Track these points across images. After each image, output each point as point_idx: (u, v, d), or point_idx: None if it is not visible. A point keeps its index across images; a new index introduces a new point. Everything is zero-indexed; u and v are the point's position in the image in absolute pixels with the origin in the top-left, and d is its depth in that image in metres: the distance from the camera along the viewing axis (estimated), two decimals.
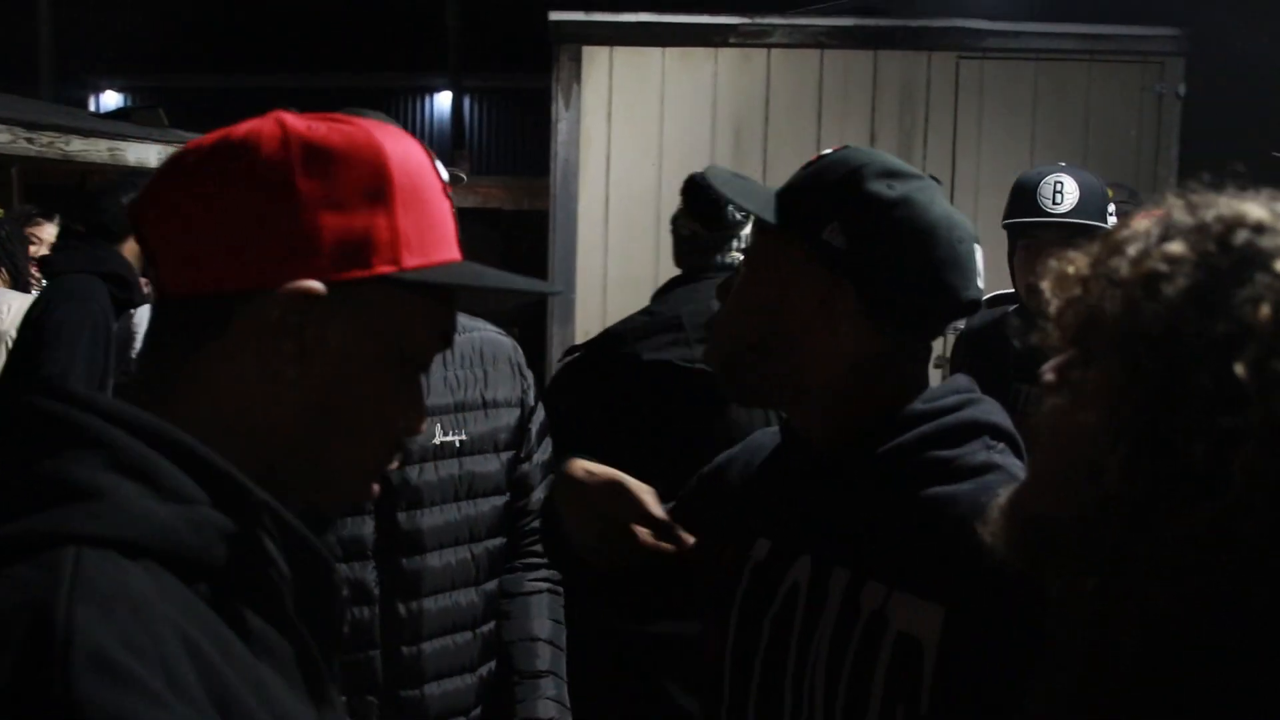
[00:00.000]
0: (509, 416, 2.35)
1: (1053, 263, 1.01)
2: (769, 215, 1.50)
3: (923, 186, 1.45)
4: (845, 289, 1.42)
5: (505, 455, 2.34)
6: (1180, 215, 0.94)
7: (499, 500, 2.32)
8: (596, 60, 5.58)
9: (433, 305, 1.11)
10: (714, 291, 1.81)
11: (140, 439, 0.95)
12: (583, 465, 1.61)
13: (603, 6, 5.66)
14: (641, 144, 5.57)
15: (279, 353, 1.03)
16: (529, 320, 6.47)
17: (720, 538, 1.61)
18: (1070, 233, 2.92)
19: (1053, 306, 1.00)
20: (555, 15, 5.58)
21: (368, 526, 2.14)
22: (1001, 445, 1.43)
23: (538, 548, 2.23)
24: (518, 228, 10.83)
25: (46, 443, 0.94)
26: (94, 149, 6.98)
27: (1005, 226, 3.17)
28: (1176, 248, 0.91)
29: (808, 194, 1.49)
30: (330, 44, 14.49)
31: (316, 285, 1.02)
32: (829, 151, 1.54)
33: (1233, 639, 0.86)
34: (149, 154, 7.25)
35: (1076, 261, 0.99)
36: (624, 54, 5.59)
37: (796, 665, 1.48)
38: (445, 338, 1.14)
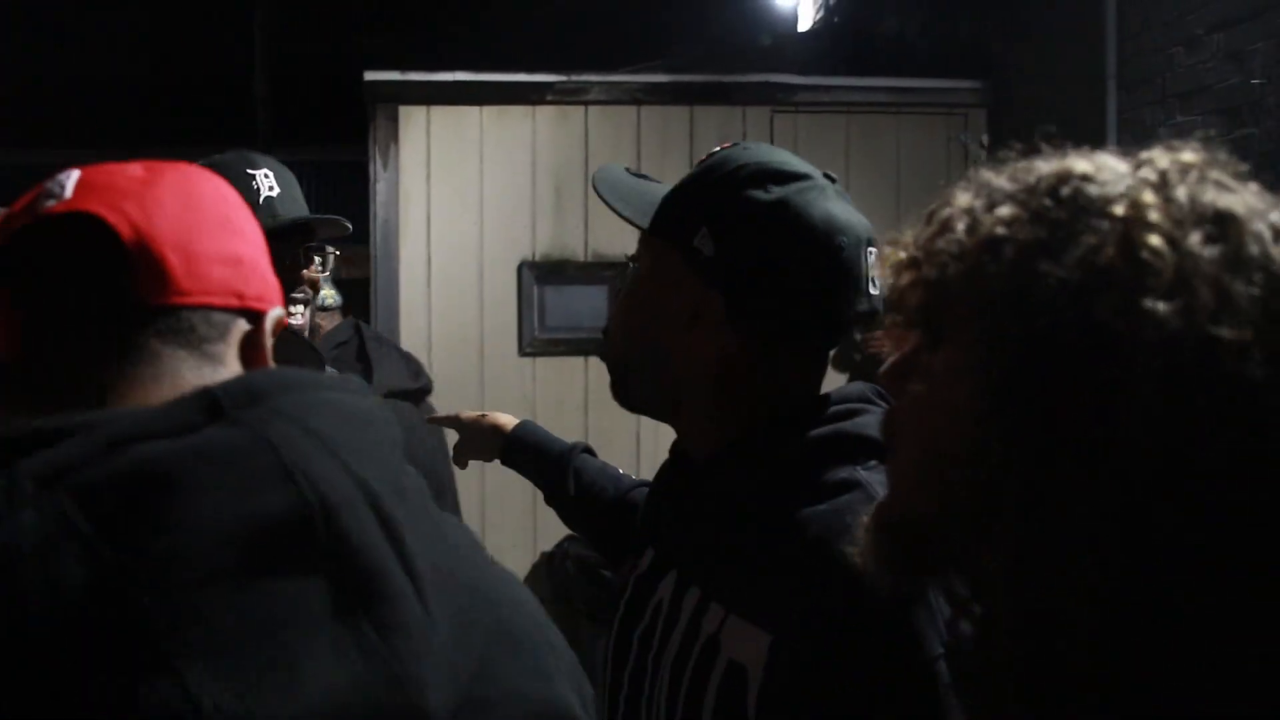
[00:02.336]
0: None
1: (885, 249, 0.96)
2: (643, 221, 1.45)
3: (804, 188, 1.38)
4: (713, 298, 1.37)
5: None
6: (1001, 183, 0.91)
7: None
8: (414, 119, 5.53)
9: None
10: None
11: None
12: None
13: (418, 66, 5.62)
14: (462, 202, 5.52)
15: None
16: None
17: (630, 544, 1.58)
18: None
19: (889, 293, 0.96)
20: (370, 75, 5.51)
21: None
22: (874, 462, 1.33)
23: None
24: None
25: None
26: None
27: None
28: (1008, 210, 0.87)
29: (683, 197, 1.44)
30: (132, 117, 14.13)
31: None
32: (718, 149, 1.48)
33: (1165, 617, 0.79)
34: None
35: (904, 243, 0.94)
36: (441, 113, 5.55)
37: (650, 685, 1.44)
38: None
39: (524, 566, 5.49)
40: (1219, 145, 0.90)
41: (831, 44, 7.05)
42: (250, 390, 0.80)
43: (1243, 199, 0.84)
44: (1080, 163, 0.90)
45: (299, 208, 2.25)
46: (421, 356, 5.49)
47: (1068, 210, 0.85)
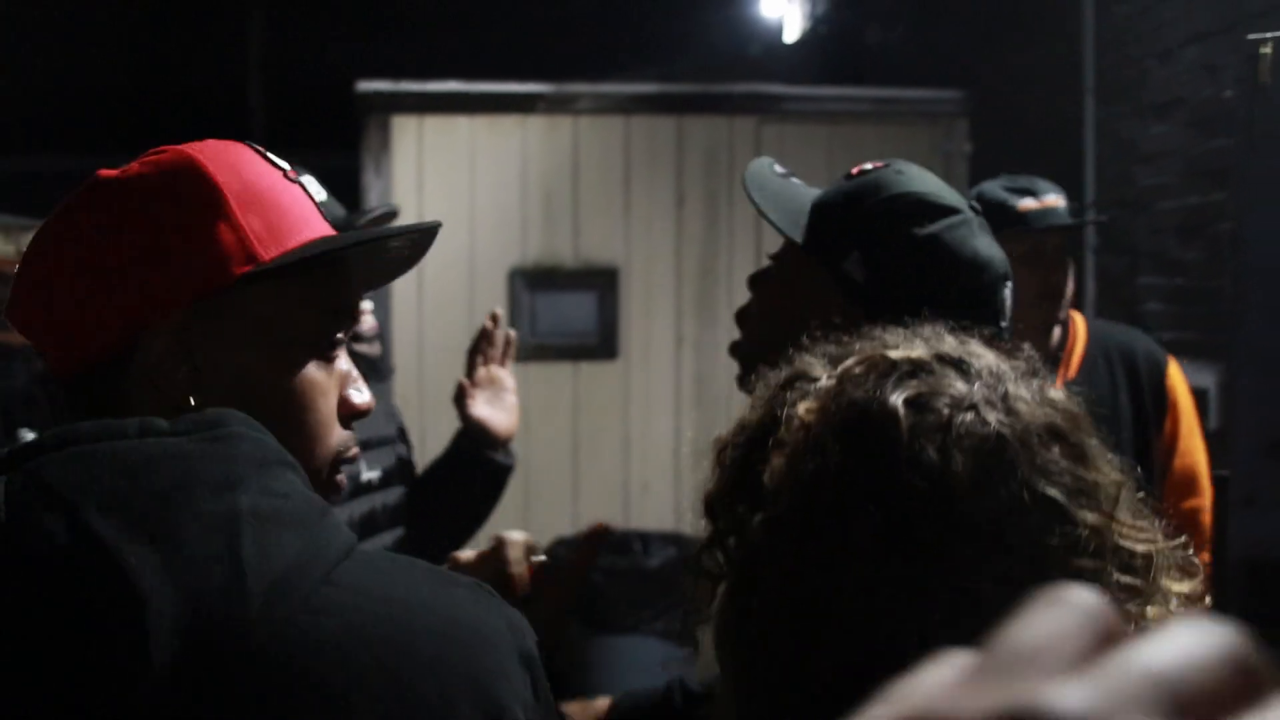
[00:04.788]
0: (397, 449, 2.43)
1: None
2: (795, 234, 1.51)
3: (955, 224, 1.44)
4: (858, 321, 1.43)
5: (397, 488, 2.49)
6: (770, 374, 1.03)
7: (396, 534, 2.45)
8: (405, 129, 5.61)
9: (309, 287, 1.12)
10: None
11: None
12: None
13: (410, 75, 5.70)
14: (453, 210, 5.60)
15: (175, 383, 1.06)
16: None
17: None
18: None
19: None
20: (363, 85, 5.59)
21: None
22: None
23: None
24: None
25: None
26: None
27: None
28: (752, 416, 0.99)
29: (837, 217, 1.50)
30: (127, 123, 14.18)
31: (184, 310, 1.06)
32: (869, 167, 1.54)
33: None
34: None
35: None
36: (433, 122, 5.63)
37: None
38: (338, 313, 1.15)
39: None
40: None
41: (818, 54, 7.13)
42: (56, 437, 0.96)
43: (932, 388, 0.89)
44: (806, 366, 0.98)
45: (336, 214, 2.33)
46: (412, 362, 5.59)
47: (766, 419, 0.95)
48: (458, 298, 5.61)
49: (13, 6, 11.73)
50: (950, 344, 0.96)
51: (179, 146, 1.14)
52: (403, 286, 5.53)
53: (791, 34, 7.40)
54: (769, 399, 0.96)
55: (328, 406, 1.13)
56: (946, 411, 0.86)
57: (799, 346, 1.49)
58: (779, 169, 1.64)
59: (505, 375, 2.50)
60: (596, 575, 5.16)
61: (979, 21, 5.81)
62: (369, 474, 2.38)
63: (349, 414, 1.17)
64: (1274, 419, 2.73)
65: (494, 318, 2.49)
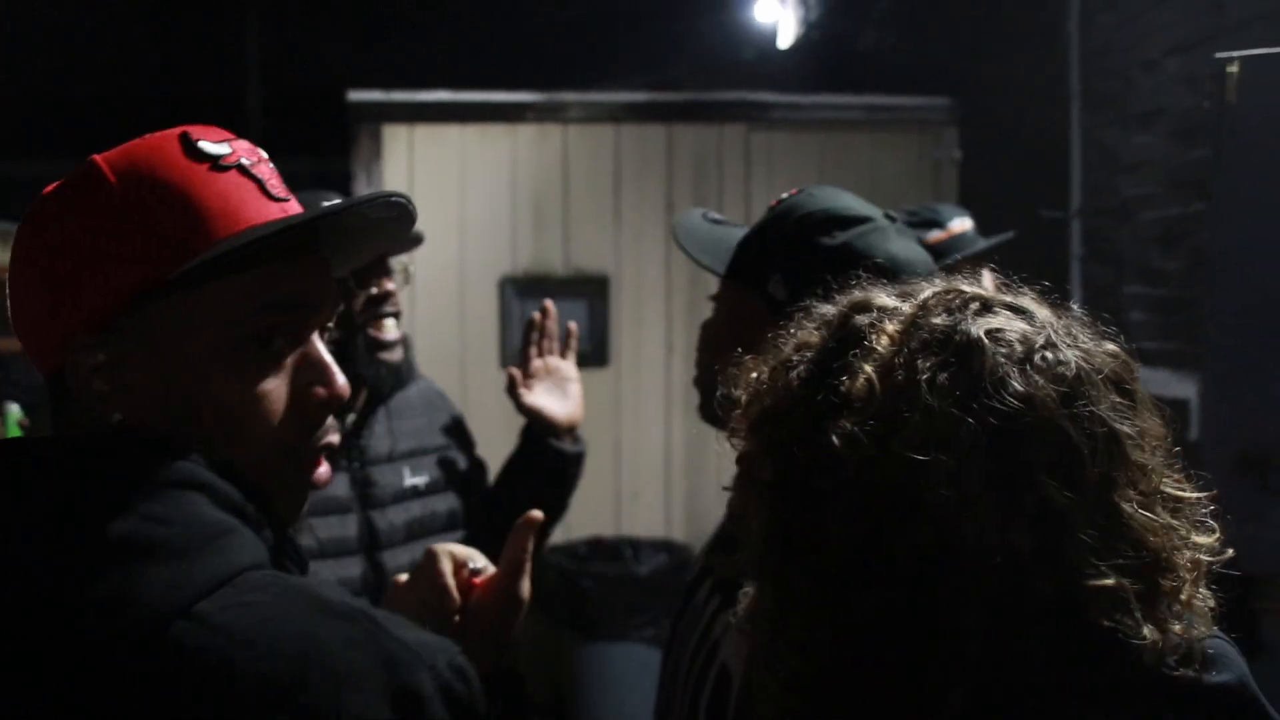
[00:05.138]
0: (458, 457, 2.49)
1: (739, 368, 1.11)
2: (720, 268, 1.57)
3: (865, 231, 1.50)
4: None
5: (458, 493, 2.49)
6: (824, 307, 1.06)
7: (454, 536, 2.43)
8: (396, 138, 5.64)
9: (236, 284, 1.07)
10: None
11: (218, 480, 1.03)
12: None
13: (401, 85, 5.73)
14: (444, 219, 5.63)
15: (96, 398, 1.05)
16: None
17: None
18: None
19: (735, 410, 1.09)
20: (354, 95, 5.62)
21: (357, 568, 2.27)
22: None
23: None
24: None
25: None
26: None
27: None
28: (810, 337, 1.02)
29: (756, 244, 1.57)
30: (126, 128, 14.19)
31: (101, 324, 1.05)
32: (787, 196, 1.60)
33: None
34: None
35: (755, 364, 1.09)
36: (424, 131, 5.66)
37: (673, 685, 1.57)
38: (276, 306, 1.09)
39: None
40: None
41: (810, 61, 7.15)
42: None
43: (1006, 325, 0.96)
44: (878, 296, 1.03)
45: None
46: None
47: (840, 339, 0.99)
48: (449, 306, 5.64)
49: (10, 11, 11.76)
50: (1013, 292, 1.05)
51: (100, 154, 1.11)
52: None
53: (785, 40, 7.41)
54: (836, 323, 1.01)
55: (271, 405, 1.08)
56: (1020, 347, 0.95)
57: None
58: (713, 217, 1.69)
59: (565, 365, 2.52)
60: (586, 582, 5.18)
61: (968, 27, 5.83)
62: (413, 479, 2.40)
63: (317, 404, 1.13)
64: (1244, 434, 2.74)
65: (544, 310, 2.51)
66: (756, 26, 7.64)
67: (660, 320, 5.74)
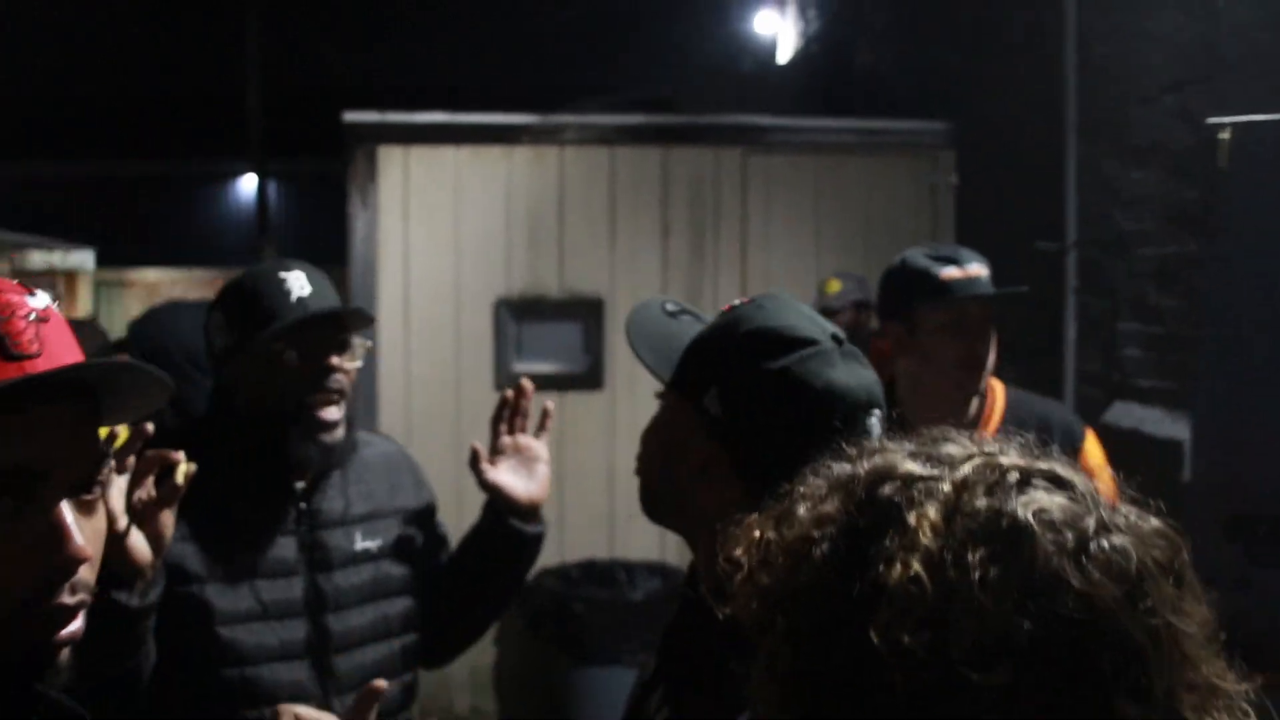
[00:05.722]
0: (417, 522, 2.51)
1: (739, 528, 1.01)
2: (665, 373, 1.56)
3: (807, 356, 1.47)
4: (720, 453, 1.48)
5: (416, 559, 2.48)
6: (840, 467, 0.98)
7: (411, 601, 2.44)
8: (392, 159, 5.62)
9: None
10: None
11: None
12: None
13: (397, 106, 5.71)
14: (439, 240, 5.61)
15: None
16: None
17: None
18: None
19: (738, 575, 0.99)
20: (350, 116, 5.60)
21: (302, 630, 2.28)
22: None
23: None
24: None
25: None
26: None
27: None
28: (829, 507, 0.93)
29: (699, 354, 1.55)
30: (130, 130, 14.20)
31: None
32: (738, 303, 1.58)
33: None
34: None
35: (759, 525, 0.99)
36: (419, 153, 5.64)
37: None
38: (7, 473, 1.08)
39: None
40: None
41: (808, 78, 7.13)
42: None
43: (1051, 504, 0.88)
44: (905, 462, 0.94)
45: (333, 303, 2.32)
46: (399, 392, 5.60)
47: (871, 517, 0.90)
48: (444, 328, 5.63)
49: (14, 12, 11.74)
50: (1041, 456, 0.96)
51: None
52: (388, 317, 5.54)
53: (785, 54, 7.39)
54: (863, 496, 0.93)
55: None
56: (1071, 533, 0.87)
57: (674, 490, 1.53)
58: (670, 307, 1.67)
59: (536, 445, 2.48)
60: (578, 605, 5.18)
61: (966, 51, 5.80)
62: (365, 543, 2.40)
63: (55, 566, 1.10)
64: (1232, 480, 2.72)
65: (520, 389, 2.50)
66: (755, 40, 7.62)
67: None
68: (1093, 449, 2.78)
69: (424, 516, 2.55)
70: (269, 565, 2.28)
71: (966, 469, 0.92)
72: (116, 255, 9.42)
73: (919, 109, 5.89)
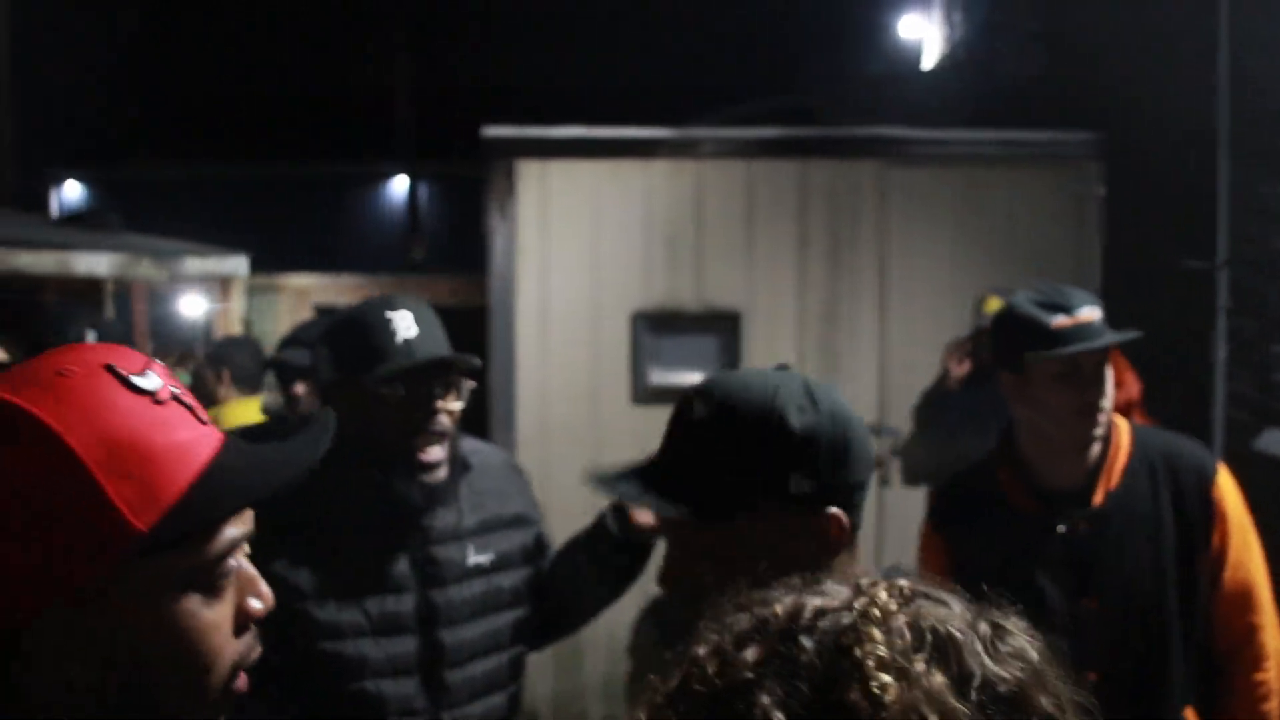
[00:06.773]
0: (525, 532, 2.56)
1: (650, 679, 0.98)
2: (688, 512, 1.61)
3: (831, 403, 1.58)
4: (837, 515, 1.55)
5: (524, 569, 2.53)
6: (738, 616, 0.96)
7: (520, 612, 2.50)
8: (530, 173, 5.68)
9: (185, 545, 1.05)
10: None
11: None
12: None
13: (535, 120, 5.77)
14: (576, 255, 5.66)
15: (83, 663, 1.02)
16: (470, 430, 6.46)
17: None
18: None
19: None
20: (488, 130, 5.67)
21: (411, 645, 2.32)
22: None
23: None
24: (467, 325, 10.95)
25: None
26: (40, 261, 6.96)
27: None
28: (754, 652, 0.92)
29: (726, 470, 1.60)
30: (284, 132, 14.58)
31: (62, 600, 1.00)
32: (696, 408, 1.65)
33: None
34: (99, 263, 7.22)
35: (662, 685, 0.96)
36: (557, 167, 5.69)
37: None
38: (219, 558, 1.08)
39: None
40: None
41: (952, 86, 7.00)
42: None
43: (956, 615, 0.93)
44: (810, 598, 0.96)
45: (440, 346, 2.35)
46: (537, 404, 5.67)
47: (808, 650, 0.90)
48: (581, 340, 5.67)
49: (166, 18, 12.16)
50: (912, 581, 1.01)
51: (29, 403, 1.00)
52: (526, 330, 5.61)
53: (930, 59, 7.28)
54: (808, 635, 0.92)
55: (213, 641, 1.07)
56: (976, 634, 0.92)
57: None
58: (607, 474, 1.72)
59: None
60: None
61: (1116, 59, 5.63)
62: (477, 558, 2.44)
63: (247, 621, 1.12)
64: None
65: None
66: (900, 45, 7.52)
67: (792, 357, 5.69)
68: (1227, 487, 2.67)
69: (531, 525, 2.59)
70: (380, 581, 2.32)
71: (878, 593, 0.95)
72: (267, 260, 9.68)
73: (1066, 120, 5.74)
